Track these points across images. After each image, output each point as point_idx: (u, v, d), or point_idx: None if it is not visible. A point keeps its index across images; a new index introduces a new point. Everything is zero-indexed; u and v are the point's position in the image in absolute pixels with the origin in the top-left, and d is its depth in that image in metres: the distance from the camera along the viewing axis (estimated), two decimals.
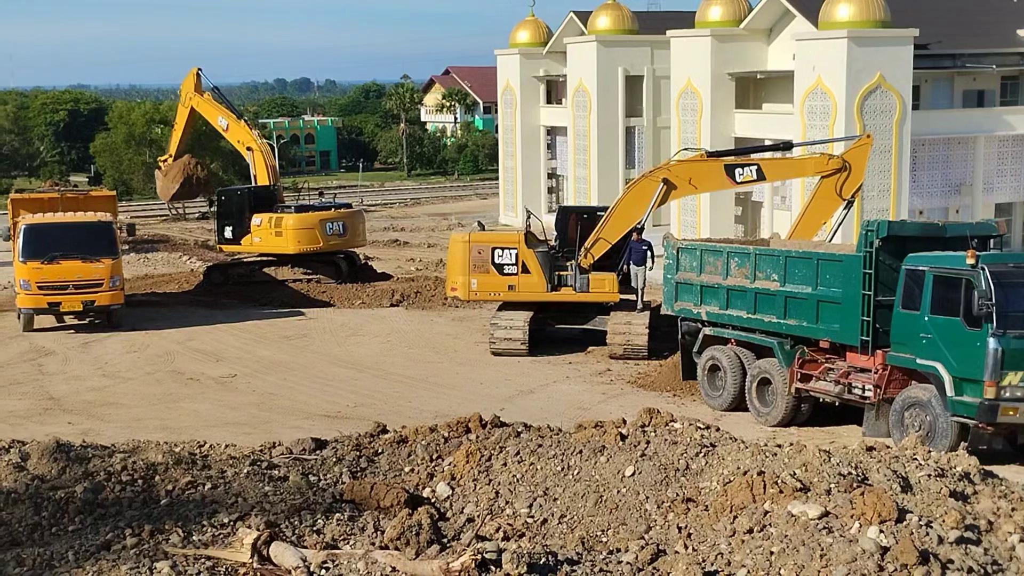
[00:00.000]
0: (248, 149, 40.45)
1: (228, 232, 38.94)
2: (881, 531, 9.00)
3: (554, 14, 65.97)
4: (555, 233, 29.76)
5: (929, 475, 10.51)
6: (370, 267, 41.43)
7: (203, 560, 9.71)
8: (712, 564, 9.32)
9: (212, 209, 42.54)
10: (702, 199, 46.78)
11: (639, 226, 28.11)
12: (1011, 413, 17.46)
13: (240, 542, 9.71)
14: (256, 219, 38.43)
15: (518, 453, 12.45)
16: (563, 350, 28.14)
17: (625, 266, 28.23)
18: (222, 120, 41.78)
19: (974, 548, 9.11)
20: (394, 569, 8.99)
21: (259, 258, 39.29)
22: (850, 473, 10.36)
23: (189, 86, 41.65)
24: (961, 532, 9.28)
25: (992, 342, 17.57)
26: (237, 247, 39.35)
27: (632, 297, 28.18)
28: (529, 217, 30.91)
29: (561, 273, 28.42)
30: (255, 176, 40.30)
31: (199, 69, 41.79)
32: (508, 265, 28.67)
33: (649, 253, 27.97)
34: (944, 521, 9.47)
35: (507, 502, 11.56)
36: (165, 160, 46.59)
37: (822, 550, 8.85)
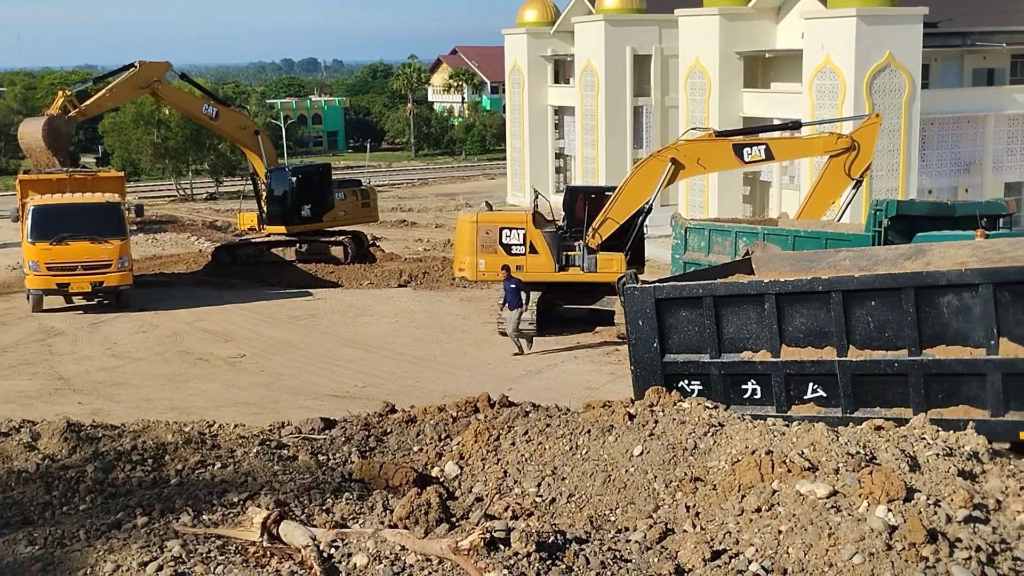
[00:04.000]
0: (255, 133, 40.00)
1: (306, 211, 38.48)
2: (889, 510, 9.01)
3: None
4: (563, 213, 29.71)
5: (937, 454, 10.51)
6: (378, 247, 41.58)
7: (213, 539, 9.76)
8: (720, 543, 9.35)
9: (257, 189, 40.08)
10: (710, 179, 46.75)
11: (507, 266, 26.96)
12: None
13: (250, 521, 9.75)
14: (339, 193, 39.23)
15: (526, 433, 12.47)
16: (571, 330, 28.15)
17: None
18: (208, 108, 39.54)
19: (982, 527, 9.12)
20: (403, 548, 9.03)
21: (267, 238, 39.25)
22: (858, 452, 10.36)
23: (155, 73, 38.03)
24: (969, 511, 9.28)
25: None
26: (316, 225, 38.91)
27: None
28: (537, 197, 30.85)
29: (569, 253, 28.39)
30: (264, 159, 39.67)
31: (170, 65, 38.64)
32: (516, 245, 28.65)
33: (522, 294, 25.83)
34: (952, 500, 9.47)
35: (516, 481, 11.59)
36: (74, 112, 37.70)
37: (830, 529, 8.86)
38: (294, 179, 38.32)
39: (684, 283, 15.00)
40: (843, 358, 13.17)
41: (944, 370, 12.67)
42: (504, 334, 26.62)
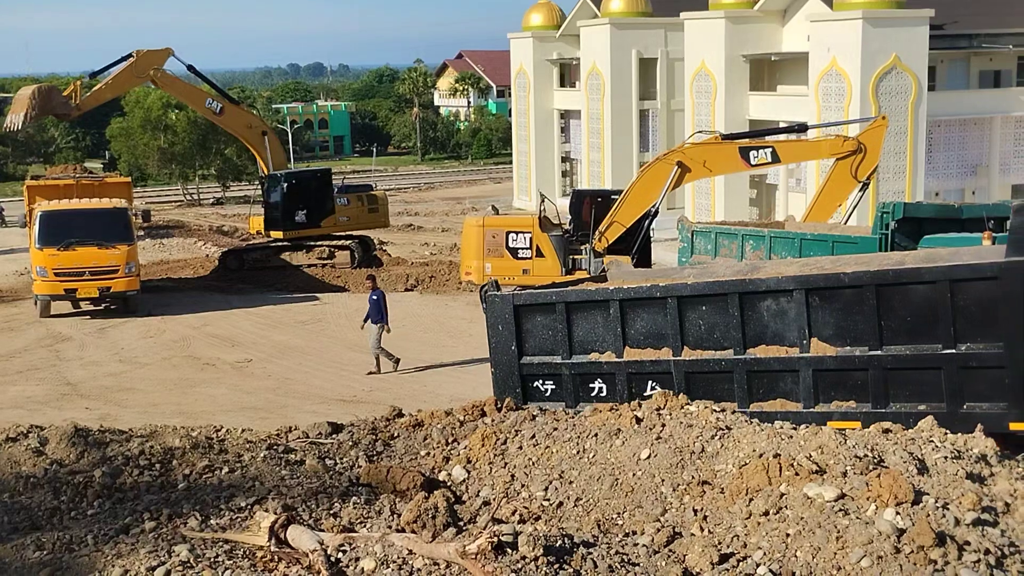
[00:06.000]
0: (263, 134, 40.06)
1: (300, 216, 38.41)
2: (897, 513, 8.99)
3: None
4: (569, 217, 29.77)
5: (945, 457, 10.48)
6: (385, 251, 41.69)
7: (221, 543, 9.76)
8: (728, 546, 9.33)
9: (259, 195, 40.29)
10: (716, 182, 46.71)
11: (372, 275, 25.98)
12: None
13: (257, 525, 9.75)
14: (342, 199, 39.01)
15: (533, 436, 12.47)
16: None
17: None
18: (212, 103, 39.49)
19: (991, 530, 9.09)
20: (411, 552, 9.03)
21: (274, 243, 39.37)
22: (866, 455, 10.34)
23: (154, 61, 37.92)
24: (978, 514, 9.25)
25: None
26: (313, 230, 38.81)
27: None
28: (543, 201, 30.89)
29: (575, 257, 28.44)
30: (271, 161, 39.72)
31: (172, 52, 38.51)
32: (522, 249, 28.71)
33: (382, 307, 24.22)
34: (961, 503, 9.45)
35: (523, 485, 11.59)
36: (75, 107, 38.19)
37: (838, 532, 8.85)
38: (286, 184, 38.36)
39: (539, 291, 16.16)
40: (678, 358, 14.39)
41: (764, 367, 13.91)
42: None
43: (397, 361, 24.30)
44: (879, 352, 13.16)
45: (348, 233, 39.64)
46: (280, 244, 39.34)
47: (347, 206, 39.55)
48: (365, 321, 24.46)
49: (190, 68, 39.33)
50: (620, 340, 14.74)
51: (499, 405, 15.18)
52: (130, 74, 38.13)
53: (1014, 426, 12.40)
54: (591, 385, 15.08)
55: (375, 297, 24.25)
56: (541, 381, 15.41)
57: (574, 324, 15.07)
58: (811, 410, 13.51)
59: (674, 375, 14.42)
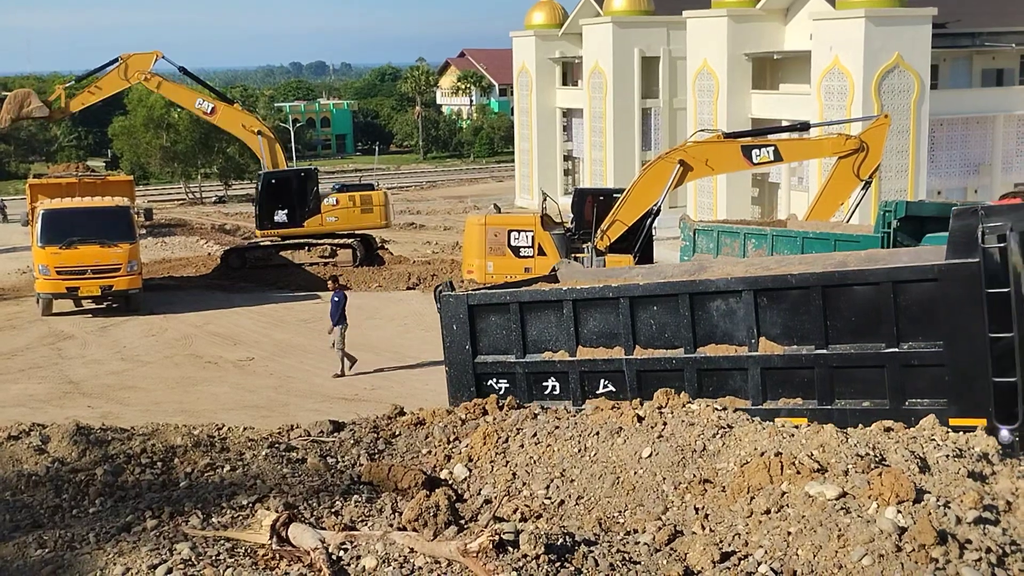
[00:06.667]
0: (258, 133, 39.99)
1: (281, 216, 38.47)
2: (899, 511, 8.98)
3: None
4: (571, 215, 29.77)
5: (947, 456, 10.47)
6: (387, 250, 41.65)
7: (222, 542, 9.76)
8: (729, 545, 9.33)
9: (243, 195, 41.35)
10: (719, 180, 46.69)
11: (338, 275, 25.74)
12: None
13: (259, 524, 9.75)
14: (331, 198, 38.81)
15: (535, 435, 12.47)
16: None
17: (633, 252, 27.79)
18: (202, 103, 39.70)
19: (992, 528, 9.08)
20: (412, 550, 9.03)
21: (276, 242, 39.37)
22: (868, 454, 10.33)
23: (142, 65, 38.41)
24: (979, 512, 9.24)
25: None
26: (295, 229, 38.73)
27: None
28: (545, 199, 30.89)
29: (577, 255, 28.41)
30: (270, 160, 39.74)
31: (161, 54, 38.78)
32: (524, 247, 28.71)
33: (343, 308, 24.03)
34: (962, 501, 9.44)
35: (524, 484, 11.59)
36: (56, 107, 39.46)
37: (839, 530, 8.84)
38: (263, 184, 38.54)
39: (493, 291, 16.58)
40: (630, 356, 14.73)
41: (714, 365, 14.31)
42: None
43: (354, 362, 24.29)
44: (825, 351, 13.59)
45: (334, 232, 39.37)
46: (282, 243, 39.34)
47: (335, 206, 39.02)
48: (332, 325, 24.29)
49: (181, 69, 39.65)
50: (573, 339, 15.05)
51: (453, 405, 15.57)
52: (116, 78, 38.80)
53: (954, 421, 12.69)
54: (544, 383, 15.39)
55: (336, 299, 24.08)
56: (495, 379, 15.71)
57: (528, 323, 15.39)
58: (759, 407, 13.83)
59: (626, 373, 14.76)
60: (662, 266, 19.26)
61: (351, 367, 24.33)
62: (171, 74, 40.71)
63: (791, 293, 13.82)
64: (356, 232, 39.52)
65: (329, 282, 25.51)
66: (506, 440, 12.56)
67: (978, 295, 12.73)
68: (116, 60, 38.42)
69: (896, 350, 13.21)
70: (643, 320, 14.65)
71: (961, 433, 11.52)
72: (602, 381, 14.98)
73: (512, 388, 15.59)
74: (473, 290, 16.77)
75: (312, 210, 38.55)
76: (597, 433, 12.09)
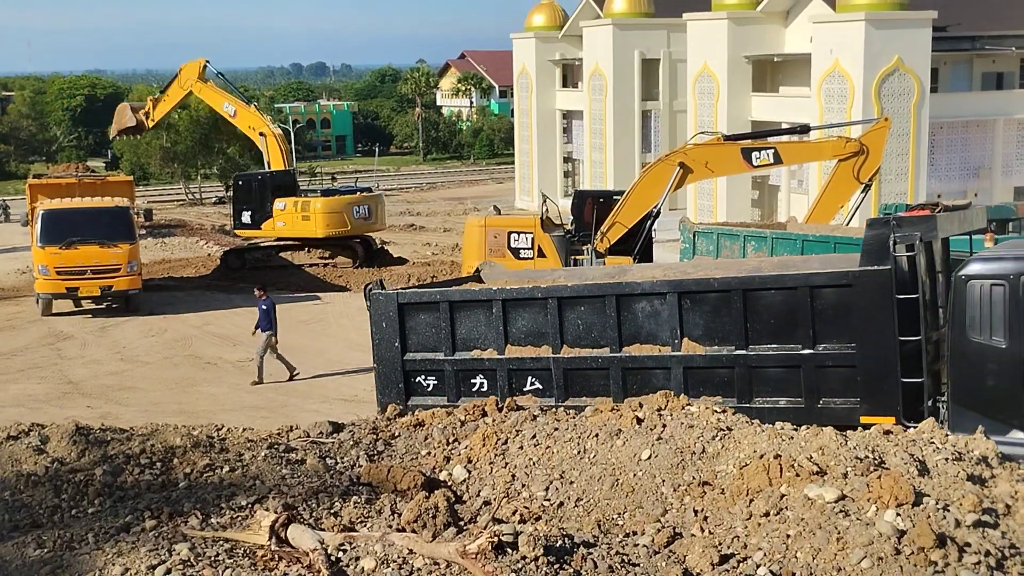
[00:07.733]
0: (260, 135, 40.14)
1: (246, 217, 38.86)
2: (898, 514, 8.98)
3: None
4: (571, 217, 29.75)
5: (946, 459, 10.47)
6: (386, 251, 41.61)
7: (221, 542, 9.77)
8: (728, 547, 9.33)
9: (229, 194, 42.29)
10: (719, 183, 46.68)
11: (262, 284, 25.43)
12: None
13: (258, 524, 9.75)
14: (280, 203, 38.41)
15: (534, 436, 12.47)
16: None
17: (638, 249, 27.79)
18: (228, 106, 41.37)
19: (991, 531, 9.08)
20: (411, 551, 9.03)
21: (276, 242, 39.43)
22: (867, 457, 10.33)
23: (192, 72, 40.84)
24: (979, 516, 9.24)
25: None
26: (256, 232, 39.17)
27: None
28: (545, 201, 30.87)
29: (577, 257, 28.40)
30: (269, 161, 39.99)
31: (207, 61, 41.01)
32: (524, 249, 28.69)
33: (272, 316, 23.72)
34: (961, 505, 9.43)
35: (523, 485, 11.59)
36: (145, 116, 42.85)
37: (839, 533, 8.84)
38: (232, 184, 39.30)
39: (423, 290, 17.03)
40: (557, 355, 15.22)
41: (638, 364, 14.84)
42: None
43: (294, 371, 24.10)
44: (745, 351, 14.24)
45: (281, 236, 38.80)
46: (282, 244, 39.35)
47: (283, 211, 38.23)
48: (255, 331, 24.13)
49: (219, 75, 41.78)
50: (502, 338, 15.46)
51: (381, 405, 15.89)
52: (176, 86, 41.56)
53: (864, 419, 13.24)
54: (472, 381, 15.80)
55: (264, 307, 23.86)
56: (423, 377, 16.06)
57: (457, 322, 15.74)
58: None
59: (553, 372, 15.22)
60: (585, 268, 20.00)
61: (291, 375, 23.95)
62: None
63: (713, 296, 14.45)
64: (305, 239, 38.74)
65: (256, 290, 24.94)
66: (505, 442, 12.56)
67: (889, 301, 13.38)
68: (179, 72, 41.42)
69: (812, 351, 13.86)
70: (571, 320, 15.11)
71: (961, 436, 11.51)
72: (529, 379, 15.43)
73: (440, 385, 15.98)
74: (402, 289, 17.19)
75: (268, 214, 38.36)
76: (596, 435, 12.09)
